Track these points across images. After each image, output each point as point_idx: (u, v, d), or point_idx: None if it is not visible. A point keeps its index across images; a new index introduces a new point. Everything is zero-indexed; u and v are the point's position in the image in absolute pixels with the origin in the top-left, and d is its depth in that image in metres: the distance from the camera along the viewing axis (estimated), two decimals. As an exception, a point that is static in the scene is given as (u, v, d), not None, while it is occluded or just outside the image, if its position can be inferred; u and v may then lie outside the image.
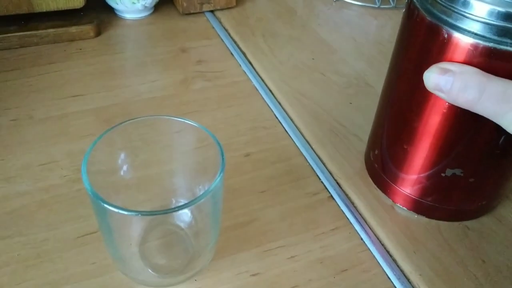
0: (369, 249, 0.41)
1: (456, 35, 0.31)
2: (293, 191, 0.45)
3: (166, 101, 0.54)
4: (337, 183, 0.46)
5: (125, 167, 0.37)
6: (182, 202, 0.39)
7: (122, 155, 0.36)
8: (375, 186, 0.45)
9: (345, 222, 0.43)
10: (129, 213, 0.29)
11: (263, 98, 0.56)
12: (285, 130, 0.52)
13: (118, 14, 0.68)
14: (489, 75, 0.30)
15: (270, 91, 0.57)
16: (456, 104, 0.32)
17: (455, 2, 0.31)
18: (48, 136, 0.49)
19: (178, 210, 0.33)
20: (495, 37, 0.30)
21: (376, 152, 0.44)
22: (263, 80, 0.59)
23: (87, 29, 0.62)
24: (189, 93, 0.56)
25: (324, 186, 0.46)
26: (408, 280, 0.39)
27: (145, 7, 0.66)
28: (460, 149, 0.36)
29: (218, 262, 0.39)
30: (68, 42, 0.62)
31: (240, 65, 0.61)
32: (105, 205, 0.29)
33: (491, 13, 0.30)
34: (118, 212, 0.29)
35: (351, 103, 0.56)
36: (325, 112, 0.54)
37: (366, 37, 0.69)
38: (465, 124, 0.35)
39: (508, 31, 0.30)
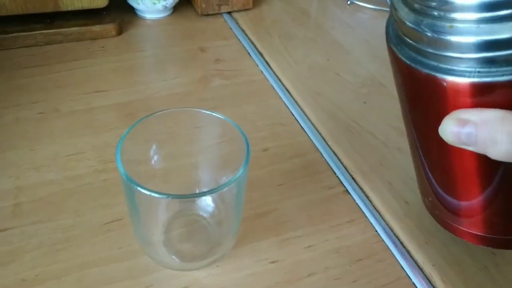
0: (383, 240, 0.42)
1: (451, 79, 0.26)
2: (310, 184, 0.47)
3: (186, 97, 0.56)
4: (352, 178, 0.48)
5: (153, 158, 0.39)
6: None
7: (150, 146, 0.38)
8: (389, 181, 0.47)
9: (360, 215, 0.44)
10: (160, 195, 0.31)
11: (280, 97, 0.58)
12: (302, 127, 0.53)
13: (138, 14, 0.70)
14: None
15: (287, 89, 0.59)
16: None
17: (439, 46, 0.26)
18: (74, 128, 0.51)
19: (205, 195, 0.35)
20: (493, 69, 0.25)
21: (430, 199, 0.39)
22: (279, 79, 0.61)
23: (110, 28, 0.64)
24: (207, 91, 0.58)
25: (340, 180, 0.47)
26: (421, 270, 0.40)
27: (165, 7, 0.68)
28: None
29: (239, 249, 0.40)
30: (91, 40, 0.64)
31: (257, 64, 0.63)
32: (138, 188, 0.31)
33: (477, 46, 0.24)
34: (149, 195, 0.31)
35: (365, 102, 0.57)
36: (340, 110, 0.56)
37: (380, 39, 0.70)
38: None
39: (502, 59, 0.24)
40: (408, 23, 0.27)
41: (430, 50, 0.26)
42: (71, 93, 0.55)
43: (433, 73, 0.26)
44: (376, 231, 0.43)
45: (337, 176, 0.48)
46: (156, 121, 0.37)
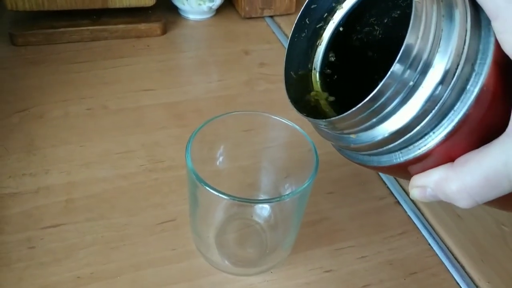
0: (436, 254, 0.42)
1: (388, 164, 0.27)
2: (360, 194, 0.46)
3: (233, 100, 0.56)
4: (403, 189, 0.47)
5: (217, 158, 0.38)
6: (264, 197, 0.40)
7: (215, 146, 0.38)
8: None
9: (412, 227, 0.44)
10: (226, 197, 0.31)
11: (325, 103, 0.57)
12: (348, 135, 0.53)
13: (182, 14, 0.70)
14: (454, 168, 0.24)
15: (332, 96, 0.59)
16: None
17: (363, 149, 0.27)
18: (123, 126, 0.50)
19: (269, 202, 0.35)
20: (404, 150, 0.25)
21: None
22: (324, 86, 0.60)
23: (155, 27, 0.64)
24: (254, 94, 0.57)
25: (390, 191, 0.47)
26: (477, 286, 0.39)
27: (210, 8, 0.68)
28: None
29: (292, 256, 0.40)
30: (136, 38, 0.64)
31: (301, 70, 0.63)
32: (205, 187, 0.31)
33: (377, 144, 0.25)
34: (216, 195, 0.31)
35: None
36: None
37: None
38: None
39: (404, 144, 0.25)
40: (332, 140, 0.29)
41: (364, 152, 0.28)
42: (118, 90, 0.55)
43: (370, 164, 0.28)
44: (429, 244, 0.42)
45: (388, 187, 0.47)
46: (222, 122, 0.37)
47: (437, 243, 0.42)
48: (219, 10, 0.72)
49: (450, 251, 0.42)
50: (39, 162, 0.46)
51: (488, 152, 0.23)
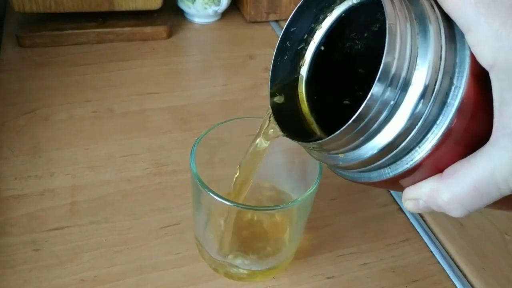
0: (439, 262, 0.42)
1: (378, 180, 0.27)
2: (363, 201, 0.46)
3: (237, 104, 0.56)
4: (406, 196, 0.47)
5: (220, 163, 0.39)
6: (268, 202, 0.41)
7: (217, 151, 0.38)
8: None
9: (415, 235, 0.44)
10: (230, 203, 0.31)
11: (329, 109, 0.58)
12: (352, 141, 0.53)
13: (187, 18, 0.71)
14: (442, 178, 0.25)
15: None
16: None
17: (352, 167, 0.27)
18: (128, 129, 0.51)
19: (272, 209, 0.35)
20: (393, 166, 0.25)
21: None
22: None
23: (161, 30, 0.65)
24: (258, 99, 0.58)
25: (393, 198, 0.47)
26: (479, 295, 0.40)
27: (216, 12, 0.69)
28: None
29: (295, 262, 0.40)
30: (142, 41, 0.65)
31: (305, 75, 0.63)
32: (210, 194, 0.31)
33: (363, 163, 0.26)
34: (221, 201, 0.31)
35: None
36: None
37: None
38: None
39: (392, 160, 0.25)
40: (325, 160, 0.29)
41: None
42: (124, 93, 0.56)
43: (361, 180, 0.28)
44: (431, 252, 0.42)
45: (391, 194, 0.47)
46: (226, 127, 0.37)
47: (439, 251, 0.42)
48: (224, 14, 0.73)
49: (452, 259, 0.42)
50: (44, 164, 0.46)
51: (475, 162, 0.23)
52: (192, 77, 0.60)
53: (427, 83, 0.22)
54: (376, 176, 0.26)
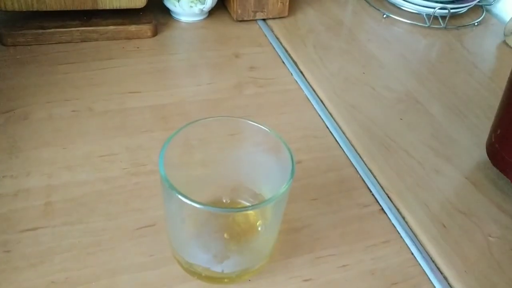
0: (419, 264, 0.41)
1: None
2: (344, 201, 0.46)
3: (220, 104, 0.55)
4: (388, 197, 0.47)
5: (191, 164, 0.38)
6: (243, 201, 0.40)
7: (190, 152, 0.38)
8: (426, 203, 0.46)
9: (396, 236, 0.43)
10: (203, 207, 0.30)
11: (314, 108, 0.57)
12: (336, 140, 0.52)
13: (173, 16, 0.70)
14: None
15: (321, 101, 0.58)
16: None
17: None
18: (107, 128, 0.50)
19: (243, 211, 0.34)
20: None
21: (498, 132, 0.47)
22: (314, 90, 0.60)
23: (145, 28, 0.64)
24: (242, 98, 0.57)
25: (375, 198, 0.46)
26: (459, 298, 0.39)
27: (202, 11, 0.68)
28: None
29: (271, 264, 0.39)
30: (126, 40, 0.64)
31: (291, 73, 0.62)
32: (181, 197, 0.30)
33: None
34: (191, 205, 0.30)
35: (401, 119, 0.56)
36: (376, 125, 0.55)
37: (415, 55, 0.69)
38: None
39: None
40: None
41: None
42: (105, 92, 0.55)
43: None
44: (412, 253, 0.42)
45: (373, 194, 0.46)
46: (198, 128, 0.36)
47: (421, 253, 0.42)
48: (211, 13, 0.72)
49: (433, 261, 0.41)
50: (20, 164, 0.45)
51: None
52: (176, 76, 0.59)
53: None
54: None
